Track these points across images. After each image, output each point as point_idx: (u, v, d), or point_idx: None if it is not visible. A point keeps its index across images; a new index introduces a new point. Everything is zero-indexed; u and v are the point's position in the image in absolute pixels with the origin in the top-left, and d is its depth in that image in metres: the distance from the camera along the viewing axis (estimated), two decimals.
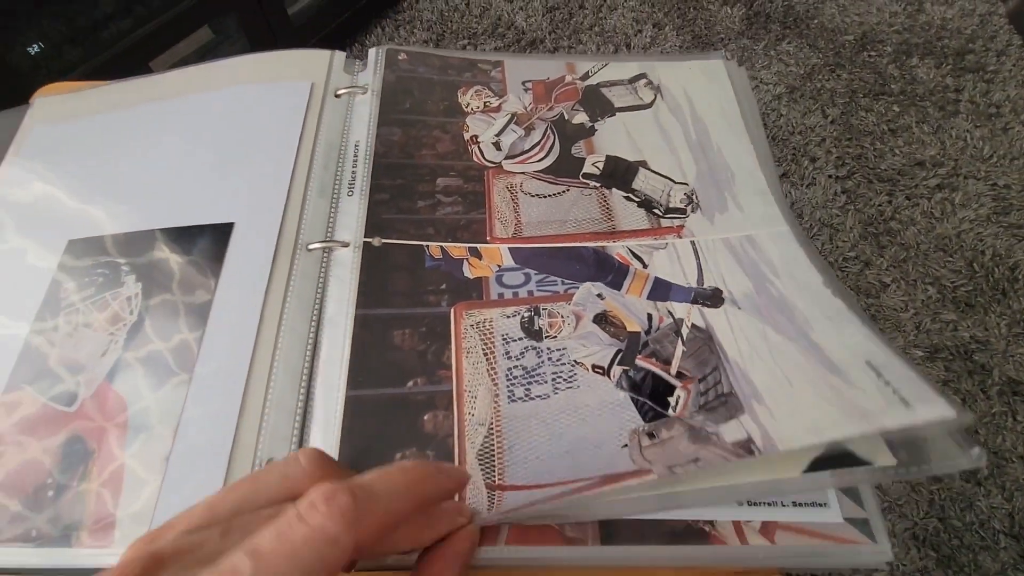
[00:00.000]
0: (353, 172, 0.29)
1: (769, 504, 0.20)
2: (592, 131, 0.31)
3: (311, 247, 0.27)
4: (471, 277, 0.26)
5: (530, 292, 0.25)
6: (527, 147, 0.30)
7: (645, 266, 0.26)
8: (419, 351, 0.24)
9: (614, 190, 0.29)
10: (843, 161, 1.00)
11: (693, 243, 0.27)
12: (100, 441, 0.23)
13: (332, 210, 0.28)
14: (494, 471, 0.21)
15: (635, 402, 0.23)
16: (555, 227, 0.27)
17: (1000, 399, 0.78)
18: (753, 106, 0.31)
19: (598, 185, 0.29)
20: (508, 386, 0.23)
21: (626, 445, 0.21)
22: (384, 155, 0.30)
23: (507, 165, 0.29)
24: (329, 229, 0.27)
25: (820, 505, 0.20)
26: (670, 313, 0.25)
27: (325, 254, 0.27)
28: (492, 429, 0.22)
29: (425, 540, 0.18)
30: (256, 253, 0.26)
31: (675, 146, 0.30)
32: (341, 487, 0.15)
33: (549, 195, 0.28)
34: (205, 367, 0.24)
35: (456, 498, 0.20)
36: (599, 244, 0.27)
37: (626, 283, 0.26)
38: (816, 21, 1.17)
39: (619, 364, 0.24)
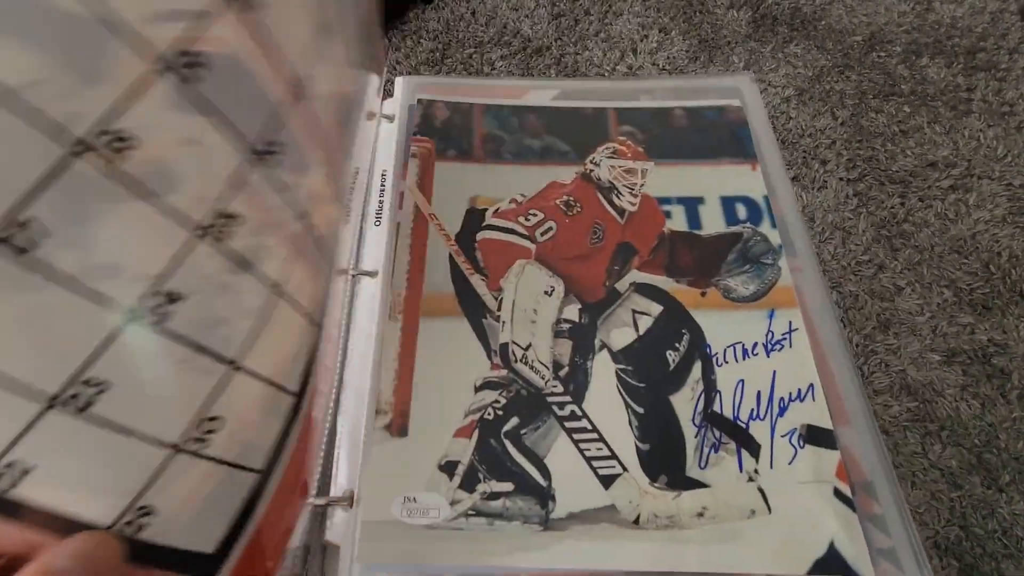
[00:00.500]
0: (380, 202, 0.29)
1: None
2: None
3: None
4: None
5: None
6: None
7: None
8: None
9: None
10: (854, 163, 0.99)
11: None
12: None
13: (353, 238, 0.28)
14: None
15: None
16: None
17: (1020, 403, 0.77)
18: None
19: None
20: None
21: None
22: None
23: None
24: (354, 258, 0.28)
25: None
26: None
27: (348, 283, 0.27)
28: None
29: None
30: None
31: None
32: None
33: None
34: None
35: None
36: None
37: None
38: (823, 22, 1.16)
39: None
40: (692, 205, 0.30)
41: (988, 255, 0.87)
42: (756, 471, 0.23)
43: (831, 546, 0.21)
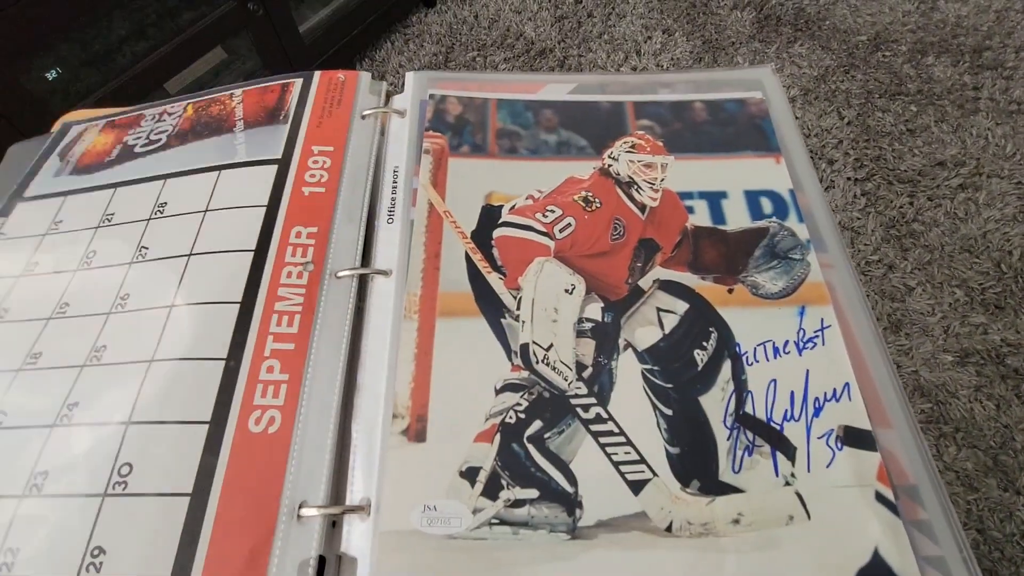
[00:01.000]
0: (392, 199, 0.28)
1: None
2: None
3: (340, 275, 0.26)
4: None
5: None
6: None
7: None
8: None
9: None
10: (861, 163, 0.98)
11: None
12: None
13: (364, 236, 0.27)
14: None
15: None
16: None
17: None
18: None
19: None
20: None
21: None
22: None
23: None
24: (360, 256, 0.27)
25: None
26: None
27: (355, 282, 0.26)
28: None
29: None
30: None
31: None
32: None
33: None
34: None
35: None
36: None
37: None
38: (828, 22, 1.16)
39: None
40: (715, 199, 0.29)
41: (999, 254, 0.86)
42: (793, 475, 0.22)
43: (875, 554, 0.20)
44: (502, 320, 0.25)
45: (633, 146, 0.30)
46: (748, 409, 0.23)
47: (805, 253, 0.27)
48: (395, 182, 0.29)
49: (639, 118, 0.32)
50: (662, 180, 0.29)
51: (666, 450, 0.22)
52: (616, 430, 0.23)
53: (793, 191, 0.29)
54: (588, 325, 0.25)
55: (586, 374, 0.24)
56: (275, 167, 0.29)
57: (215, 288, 0.26)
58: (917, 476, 0.21)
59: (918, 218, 0.92)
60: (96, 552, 0.21)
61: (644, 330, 0.25)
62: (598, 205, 0.28)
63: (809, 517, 0.21)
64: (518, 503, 0.21)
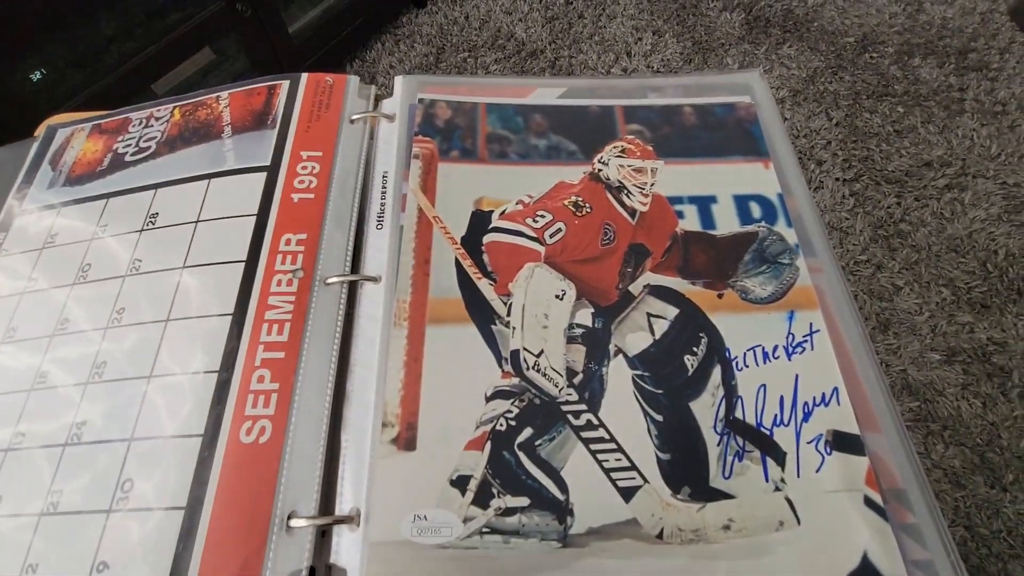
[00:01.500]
0: (382, 204, 0.28)
1: None
2: None
3: (329, 281, 0.26)
4: None
5: None
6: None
7: None
8: None
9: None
10: (850, 164, 0.99)
11: None
12: None
13: (353, 242, 0.27)
14: None
15: None
16: None
17: (1022, 401, 0.77)
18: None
19: None
20: None
21: None
22: None
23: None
24: (349, 262, 0.26)
25: None
26: None
27: (345, 288, 0.26)
28: None
29: None
30: None
31: None
32: None
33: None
34: None
35: None
36: None
37: None
38: (816, 24, 1.17)
39: None
40: (705, 204, 0.29)
41: (985, 254, 0.88)
42: (783, 480, 0.22)
43: (864, 558, 0.20)
44: (492, 326, 0.25)
45: (623, 151, 0.30)
46: (738, 414, 0.23)
47: (794, 257, 0.27)
48: (384, 187, 0.29)
49: (629, 122, 0.32)
50: (652, 185, 0.29)
51: (657, 456, 0.22)
52: (607, 437, 0.23)
53: (782, 195, 0.29)
54: (579, 331, 0.25)
55: (577, 380, 0.24)
56: (264, 174, 0.29)
57: (208, 301, 0.26)
58: (905, 480, 0.21)
59: (905, 218, 0.93)
60: (101, 567, 0.21)
61: (635, 336, 0.25)
62: (588, 210, 0.28)
63: (799, 522, 0.21)
64: (509, 511, 0.21)
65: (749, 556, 0.20)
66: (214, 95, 0.33)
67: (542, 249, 0.27)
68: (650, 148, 0.30)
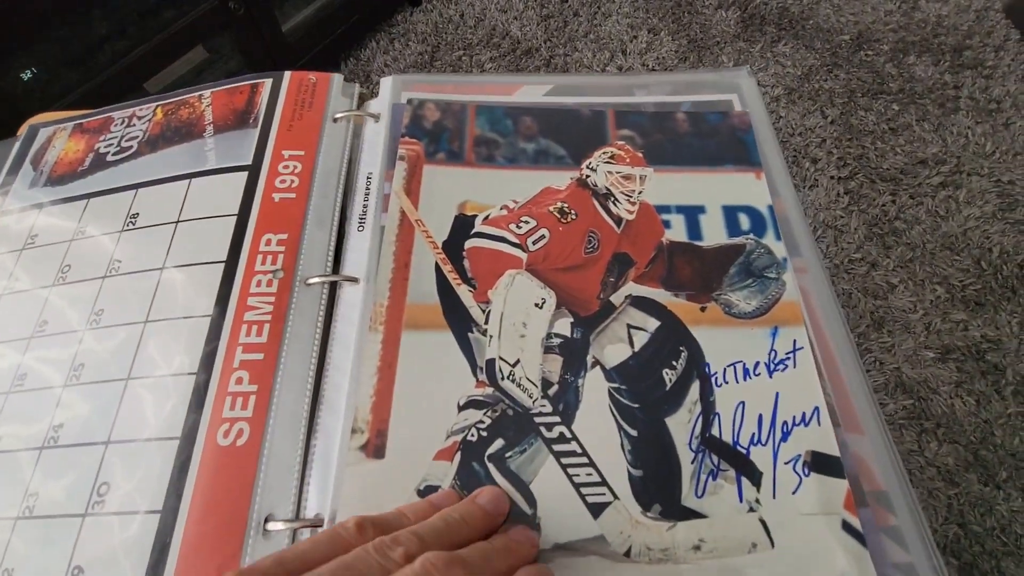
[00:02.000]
0: (364, 205, 0.28)
1: None
2: None
3: (310, 282, 0.26)
4: None
5: None
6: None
7: None
8: None
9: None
10: (845, 162, 0.99)
11: None
12: None
13: (336, 243, 0.27)
14: None
15: None
16: None
17: (1015, 399, 0.77)
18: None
19: None
20: None
21: None
22: None
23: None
24: (330, 263, 0.26)
25: None
26: None
27: (326, 289, 0.25)
28: None
29: None
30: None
31: None
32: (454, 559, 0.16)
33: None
34: None
35: None
36: None
37: None
38: (811, 22, 1.16)
39: None
40: (692, 214, 0.28)
41: (979, 251, 0.88)
42: (758, 501, 0.21)
43: None
44: (469, 334, 0.25)
45: (612, 156, 0.30)
46: (715, 431, 0.23)
47: (781, 272, 0.26)
48: (368, 188, 0.29)
49: (620, 128, 0.31)
50: (640, 193, 0.29)
51: (629, 472, 0.22)
52: (579, 450, 0.22)
53: (772, 207, 0.28)
54: (556, 341, 0.25)
55: (552, 391, 0.24)
56: (245, 174, 0.29)
57: (188, 302, 0.25)
58: (888, 482, 0.21)
59: (900, 216, 0.93)
60: (76, 571, 0.21)
61: (613, 347, 0.25)
62: (574, 217, 0.28)
63: (773, 545, 0.21)
64: None
65: None
66: (196, 94, 0.33)
67: (524, 256, 0.27)
68: (640, 155, 0.30)
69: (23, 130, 0.35)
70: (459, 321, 0.25)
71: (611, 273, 0.26)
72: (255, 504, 0.21)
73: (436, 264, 0.26)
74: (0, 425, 0.24)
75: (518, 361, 0.24)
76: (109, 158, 0.31)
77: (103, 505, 0.22)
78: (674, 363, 0.24)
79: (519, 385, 0.24)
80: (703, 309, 0.25)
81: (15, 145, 0.34)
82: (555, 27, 1.19)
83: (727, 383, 0.23)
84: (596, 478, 0.22)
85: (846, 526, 0.21)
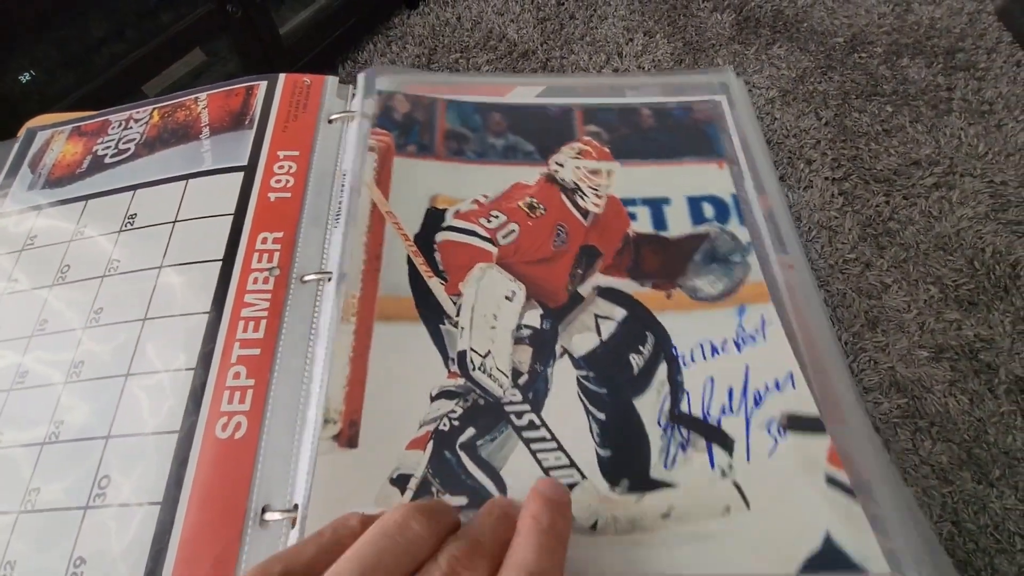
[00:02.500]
0: (340, 201, 0.28)
1: None
2: None
3: (306, 279, 0.26)
4: None
5: None
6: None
7: None
8: None
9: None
10: (839, 163, 1.00)
11: None
12: None
13: (325, 241, 0.27)
14: None
15: None
16: None
17: (1008, 398, 0.78)
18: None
19: None
20: None
21: None
22: None
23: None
24: (324, 260, 0.27)
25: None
26: None
27: (320, 287, 0.26)
28: None
29: None
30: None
31: None
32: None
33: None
34: None
35: None
36: None
37: None
38: (805, 24, 1.17)
39: None
40: (657, 206, 0.29)
41: (972, 251, 0.88)
42: (730, 466, 0.22)
43: (827, 539, 0.20)
44: (441, 326, 0.25)
45: (580, 152, 0.31)
46: (683, 408, 0.23)
47: (745, 255, 0.27)
48: (343, 184, 0.29)
49: (587, 124, 0.32)
50: (607, 187, 0.30)
51: (597, 453, 0.22)
52: (548, 436, 0.23)
53: (736, 195, 0.29)
54: (526, 332, 0.25)
55: (522, 381, 0.24)
56: (241, 174, 0.29)
57: (186, 300, 0.26)
58: (870, 471, 0.22)
59: (894, 217, 0.93)
60: (79, 562, 0.21)
61: (581, 336, 0.25)
62: (542, 211, 0.29)
63: (748, 507, 0.21)
64: None
65: (690, 542, 0.20)
66: (192, 97, 0.33)
67: (495, 250, 0.27)
68: (607, 150, 0.31)
69: (21, 133, 0.35)
70: (431, 313, 0.26)
71: (579, 265, 0.27)
72: (253, 495, 0.21)
73: (408, 257, 0.27)
74: (1, 422, 0.25)
75: (489, 352, 0.24)
76: (107, 160, 0.32)
77: (104, 498, 0.22)
78: (640, 348, 0.25)
79: (490, 375, 0.24)
80: (668, 296, 0.26)
81: (13, 147, 0.34)
82: (551, 30, 1.20)
83: (694, 362, 0.24)
84: (565, 461, 0.22)
85: (831, 481, 0.21)
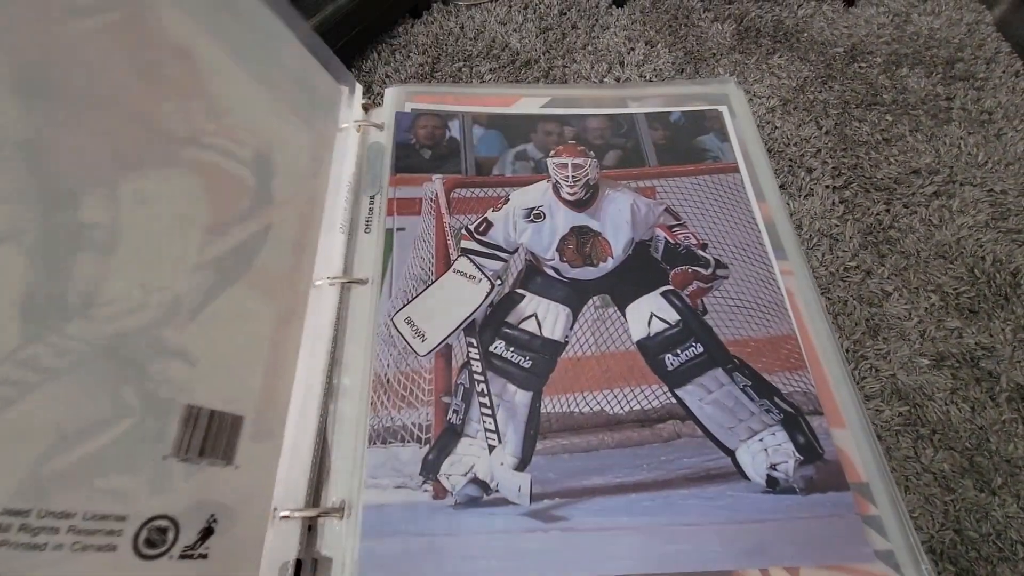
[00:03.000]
0: (370, 209, 0.29)
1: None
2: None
3: (321, 283, 0.27)
4: None
5: None
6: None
7: None
8: None
9: None
10: (839, 171, 1.00)
11: None
12: None
13: (346, 246, 0.28)
14: None
15: None
16: None
17: (1009, 406, 0.78)
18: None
19: None
20: None
21: None
22: None
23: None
24: (348, 265, 0.27)
25: None
26: None
27: (346, 291, 0.26)
28: None
29: None
30: None
31: None
32: None
33: None
34: None
35: None
36: None
37: None
38: (806, 34, 1.19)
39: None
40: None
41: (973, 260, 0.89)
42: None
43: None
44: None
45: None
46: None
47: None
48: (374, 193, 0.30)
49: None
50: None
51: None
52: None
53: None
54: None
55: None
56: None
57: None
58: (869, 474, 0.22)
59: (894, 225, 0.94)
60: None
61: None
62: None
63: None
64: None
65: None
66: None
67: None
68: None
69: None
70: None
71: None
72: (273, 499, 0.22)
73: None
74: None
75: None
76: None
77: None
78: None
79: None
80: None
81: None
82: (554, 39, 1.21)
83: None
84: None
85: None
